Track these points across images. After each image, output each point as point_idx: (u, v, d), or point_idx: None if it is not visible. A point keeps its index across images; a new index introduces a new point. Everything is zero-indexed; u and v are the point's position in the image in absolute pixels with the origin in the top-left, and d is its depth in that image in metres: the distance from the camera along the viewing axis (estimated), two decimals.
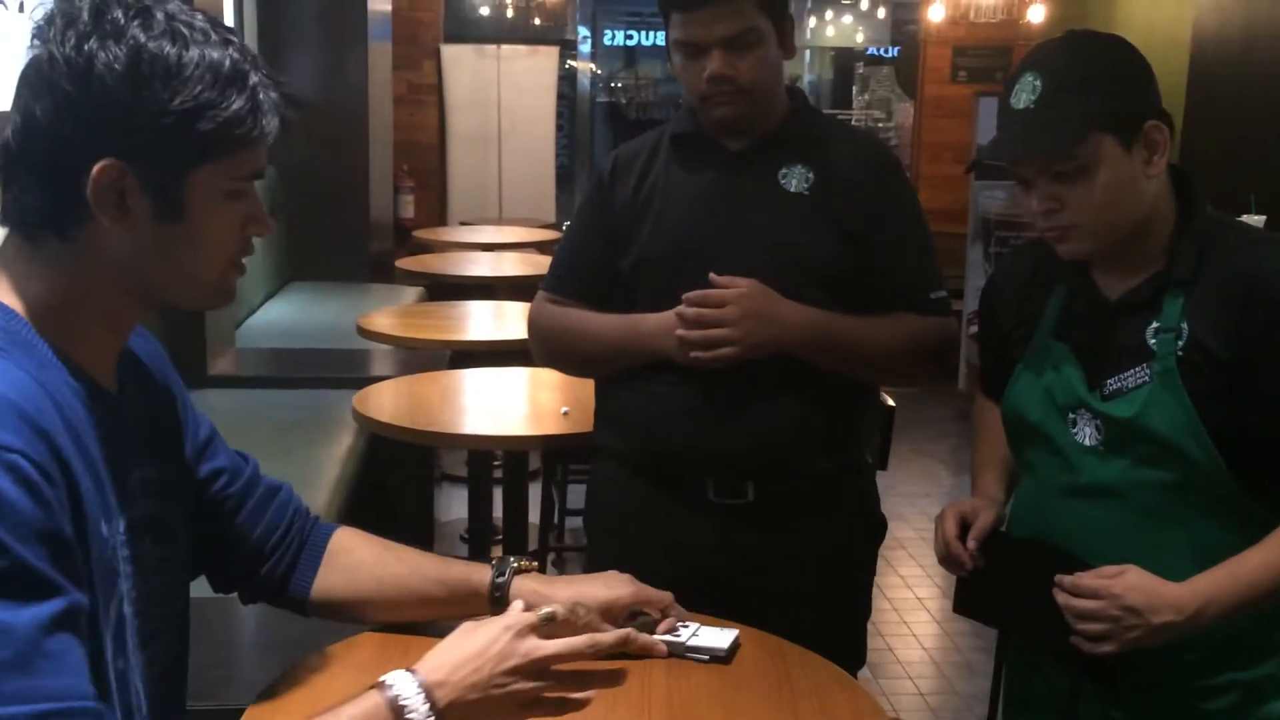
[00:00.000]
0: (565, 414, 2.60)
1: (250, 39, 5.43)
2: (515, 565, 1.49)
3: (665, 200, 1.95)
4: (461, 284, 4.86)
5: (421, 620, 1.48)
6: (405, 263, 5.17)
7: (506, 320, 3.96)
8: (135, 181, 1.10)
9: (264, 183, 5.62)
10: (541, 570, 3.37)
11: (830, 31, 13.21)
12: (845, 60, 12.99)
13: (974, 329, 2.17)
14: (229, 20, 4.72)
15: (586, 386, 2.43)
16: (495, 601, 1.45)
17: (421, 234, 6.11)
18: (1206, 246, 1.61)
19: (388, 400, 2.82)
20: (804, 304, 1.86)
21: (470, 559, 3.44)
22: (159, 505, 1.24)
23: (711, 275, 1.84)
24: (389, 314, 4.00)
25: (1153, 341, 1.61)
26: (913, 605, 4.16)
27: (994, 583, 1.77)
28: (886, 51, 12.76)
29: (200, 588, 1.55)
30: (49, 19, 1.10)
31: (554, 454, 3.70)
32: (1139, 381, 1.62)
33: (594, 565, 2.11)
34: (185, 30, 1.11)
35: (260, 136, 1.14)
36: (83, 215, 1.11)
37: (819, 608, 1.91)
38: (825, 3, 12.35)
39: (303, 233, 5.69)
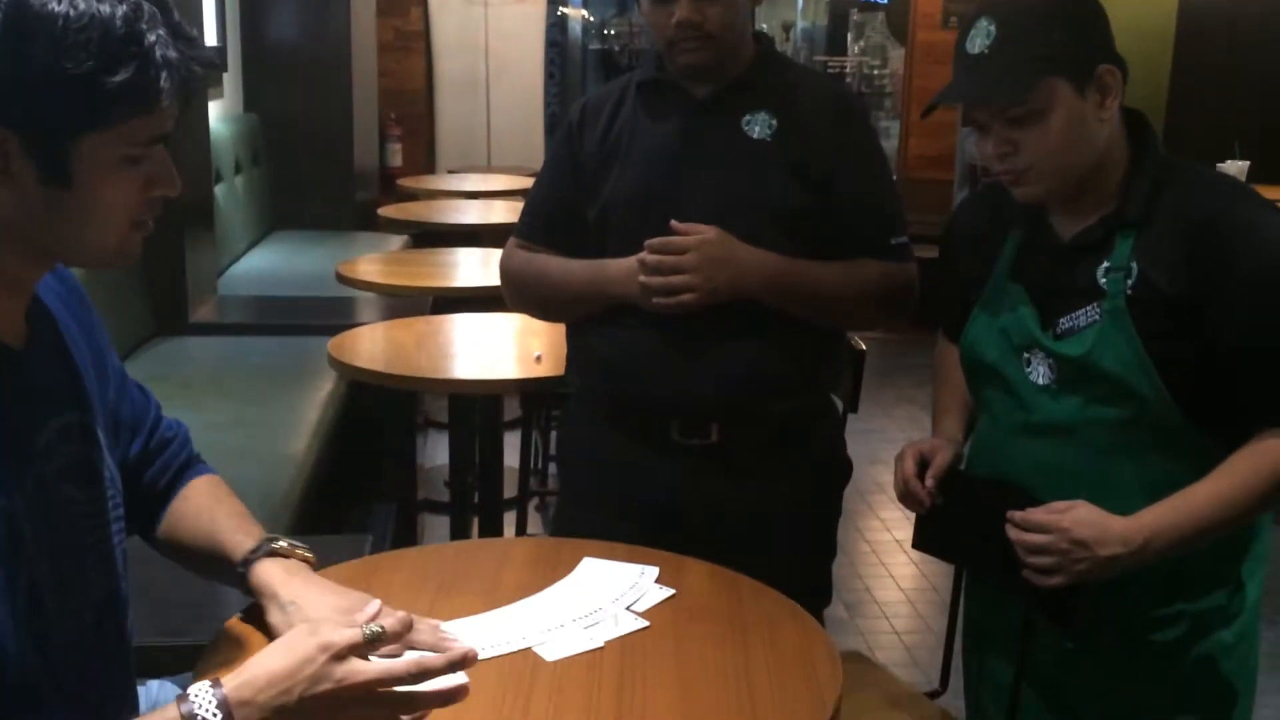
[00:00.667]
0: (539, 359, 2.63)
1: None
2: (275, 546, 1.40)
3: (631, 147, 1.96)
4: (447, 231, 4.85)
5: (219, 580, 1.44)
6: (389, 210, 5.14)
7: (491, 267, 3.89)
8: (17, 145, 1.07)
9: (247, 131, 5.63)
10: (521, 516, 3.39)
11: None
12: (840, 6, 12.87)
13: None
14: None
15: (559, 330, 2.46)
16: (240, 578, 1.39)
17: (407, 182, 6.08)
18: (1158, 187, 1.63)
19: (364, 345, 2.84)
20: (766, 250, 1.88)
21: (451, 505, 3.50)
22: (83, 450, 1.24)
23: (672, 223, 1.86)
24: (371, 261, 4.00)
25: (1103, 281, 1.63)
26: (891, 547, 4.21)
27: (951, 520, 1.81)
28: None
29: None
30: None
31: (534, 399, 3.72)
32: (1089, 320, 1.64)
33: (563, 507, 2.16)
34: None
35: (155, 104, 1.09)
36: None
37: (783, 548, 1.94)
38: None
39: (286, 181, 5.67)
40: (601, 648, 1.34)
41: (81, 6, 1.05)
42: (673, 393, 1.91)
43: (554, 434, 4.11)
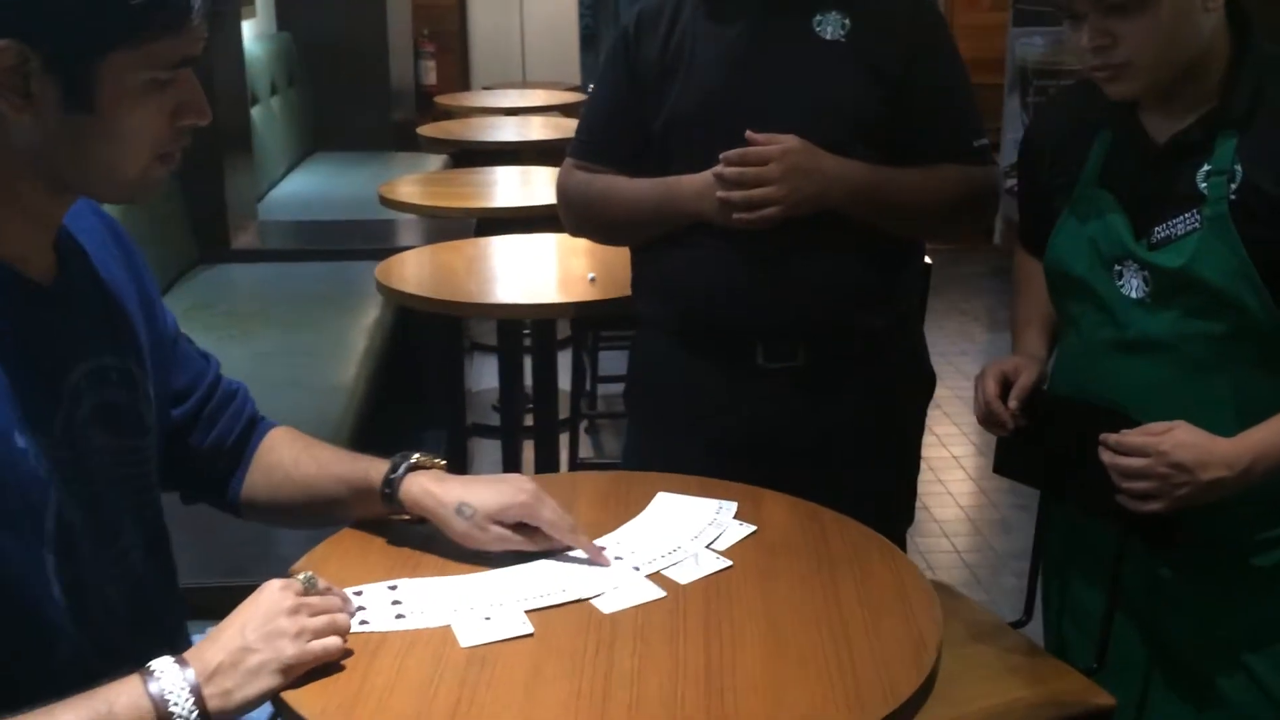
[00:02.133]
0: (592, 280, 2.54)
1: None
2: (413, 461, 1.37)
3: (695, 54, 1.85)
4: (487, 149, 4.75)
5: (333, 523, 1.41)
6: (428, 129, 5.05)
7: (533, 186, 3.87)
8: (40, 66, 1.01)
9: (280, 50, 5.54)
10: (574, 439, 3.36)
11: None
12: None
13: (1010, 182, 2.10)
14: None
15: (614, 252, 2.38)
16: (386, 499, 1.36)
17: (444, 100, 5.97)
18: (1261, 85, 1.52)
19: (411, 271, 2.76)
20: (845, 158, 1.78)
21: (502, 429, 3.46)
22: (119, 395, 1.19)
23: (748, 133, 1.75)
24: (412, 182, 3.91)
25: (1203, 185, 1.53)
26: (949, 464, 4.13)
27: (1036, 442, 1.73)
28: None
29: None
30: None
31: (583, 321, 3.65)
32: (1188, 228, 1.54)
33: (634, 437, 2.08)
34: None
35: (184, 21, 1.04)
36: None
37: (871, 470, 1.88)
38: None
39: (323, 103, 5.59)
40: (685, 587, 1.28)
41: None
42: (759, 314, 1.83)
43: (600, 355, 4.08)
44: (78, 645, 1.09)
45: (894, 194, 1.82)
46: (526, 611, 1.22)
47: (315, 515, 1.43)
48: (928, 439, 4.24)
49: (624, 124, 1.93)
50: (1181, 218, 1.55)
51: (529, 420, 3.58)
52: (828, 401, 1.88)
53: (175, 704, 1.03)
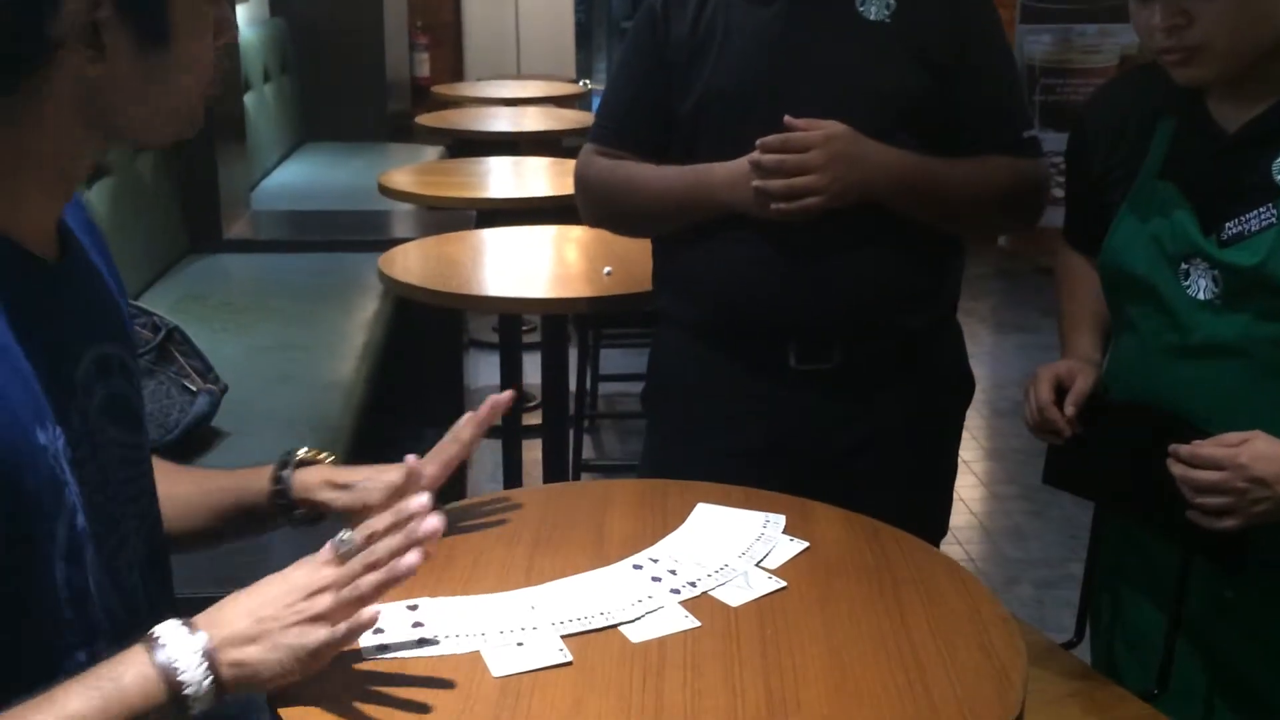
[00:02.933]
0: (608, 274, 2.43)
1: None
2: (299, 457, 1.29)
3: (729, 33, 1.73)
4: (484, 139, 4.64)
5: (222, 541, 1.31)
6: (425, 119, 4.95)
7: (531, 177, 3.76)
8: (111, 11, 0.94)
9: (273, 36, 5.44)
10: (577, 439, 3.25)
11: None
12: None
13: None
14: None
15: (627, 244, 2.27)
16: (278, 496, 1.26)
17: (440, 90, 5.88)
18: None
19: (414, 262, 2.64)
20: (890, 146, 1.67)
21: (504, 428, 3.35)
22: (123, 386, 1.09)
23: (787, 118, 1.64)
24: (410, 171, 3.81)
25: (1279, 177, 1.42)
26: (959, 470, 4.03)
27: (1093, 451, 1.62)
28: None
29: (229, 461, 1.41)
30: None
31: (585, 318, 3.54)
32: (1265, 223, 1.43)
33: (656, 440, 1.96)
34: None
35: None
36: (41, 60, 0.92)
37: (908, 479, 1.78)
38: None
39: (316, 92, 5.47)
40: (737, 610, 1.16)
41: None
42: (792, 312, 1.71)
43: (601, 353, 3.98)
44: (82, 664, 0.97)
45: (941, 185, 1.71)
46: (562, 636, 1.11)
47: (199, 534, 1.30)
48: None
49: (649, 107, 1.81)
50: (1256, 212, 1.45)
51: (528, 419, 3.47)
52: (863, 406, 1.77)
53: (184, 672, 0.92)
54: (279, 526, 1.30)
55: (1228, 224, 1.47)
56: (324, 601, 0.98)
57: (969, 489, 3.89)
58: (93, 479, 1.01)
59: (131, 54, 0.97)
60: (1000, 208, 1.79)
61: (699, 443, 1.79)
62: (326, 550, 1.03)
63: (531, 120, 4.93)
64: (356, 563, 1.01)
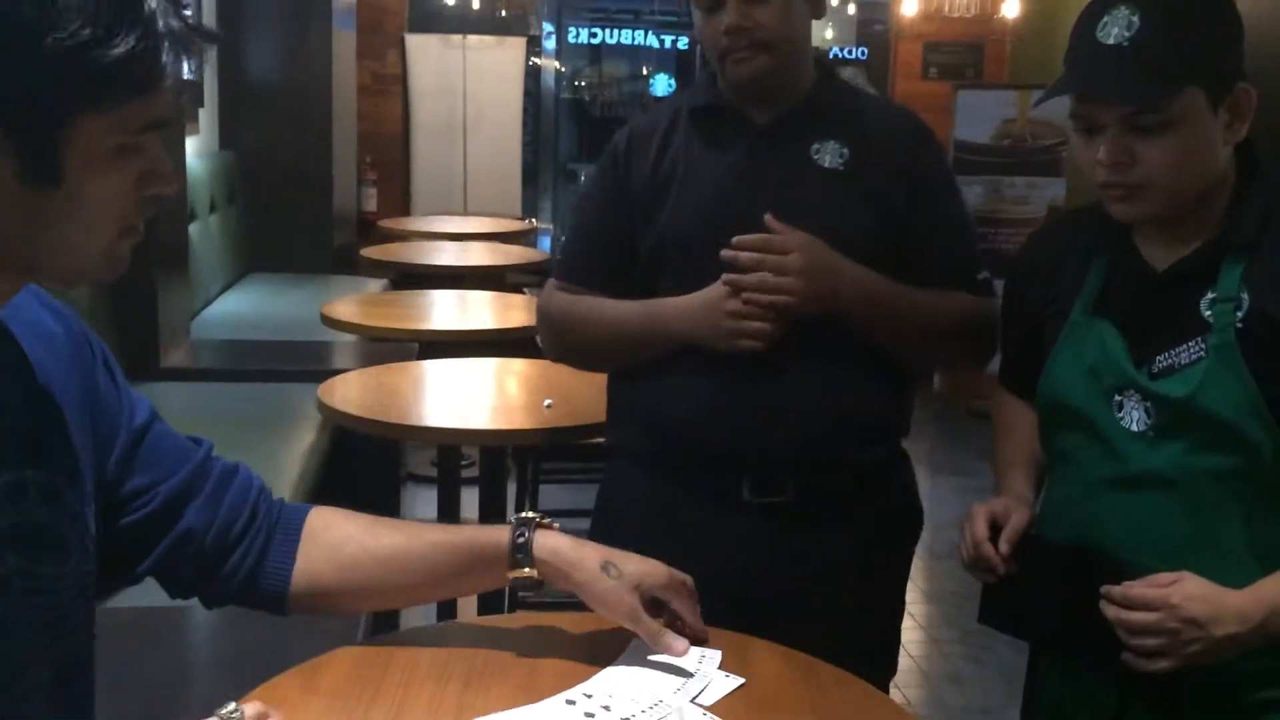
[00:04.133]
0: (548, 406, 2.43)
1: (208, 24, 5.23)
2: (536, 520, 1.32)
3: (689, 176, 1.79)
4: (428, 273, 4.68)
5: (430, 600, 1.33)
6: (370, 251, 5.01)
7: (475, 310, 3.79)
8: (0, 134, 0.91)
9: (222, 168, 5.48)
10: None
11: None
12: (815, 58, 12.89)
13: None
14: None
15: (568, 377, 2.28)
16: (516, 564, 1.29)
17: (386, 224, 5.95)
18: (1269, 214, 1.47)
19: (354, 392, 2.63)
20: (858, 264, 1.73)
21: None
22: (42, 513, 1.05)
23: (768, 219, 1.68)
24: (353, 302, 3.83)
25: (1208, 313, 1.46)
26: None
27: (1027, 592, 1.62)
28: (852, 53, 12.67)
29: (148, 595, 1.38)
30: None
31: (525, 451, 3.53)
32: (1194, 357, 1.47)
33: None
34: None
35: (159, 79, 0.95)
36: None
37: (857, 612, 1.77)
38: None
39: (262, 222, 5.51)
40: None
41: None
42: (746, 445, 1.73)
43: (540, 488, 3.95)
44: None
45: (905, 307, 1.76)
46: None
47: (406, 592, 1.32)
48: None
49: (610, 245, 1.85)
50: (1186, 346, 1.49)
51: None
52: (814, 539, 1.78)
53: None
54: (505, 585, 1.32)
55: (1158, 357, 1.51)
56: None
57: (908, 631, 3.87)
58: None
59: (15, 183, 0.94)
60: (956, 337, 1.83)
61: None
62: None
63: (477, 255, 5.00)
64: None
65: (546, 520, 1.33)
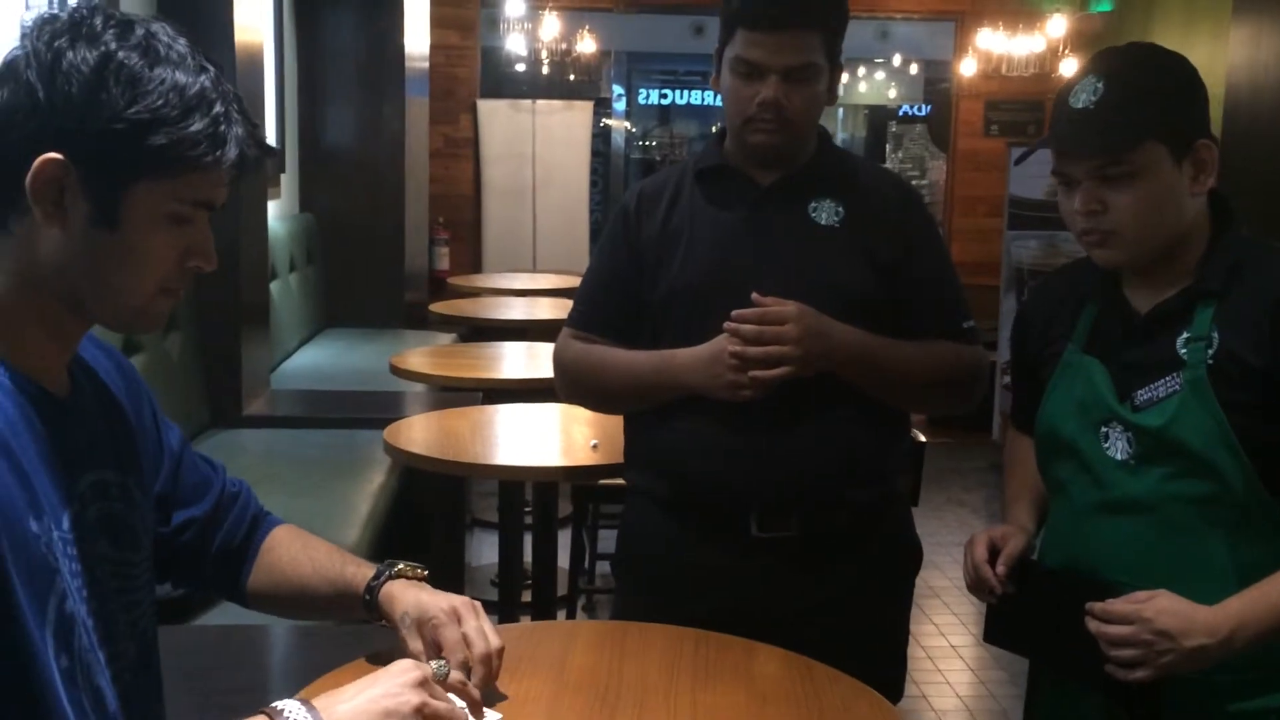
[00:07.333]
0: (595, 447, 2.60)
1: (291, 95, 5.53)
2: (395, 570, 1.46)
3: (695, 233, 1.94)
4: (496, 327, 4.87)
5: (327, 619, 1.51)
6: (439, 307, 5.20)
7: (540, 360, 3.93)
8: (76, 182, 1.09)
9: (302, 230, 5.72)
10: (570, 615, 3.34)
11: (863, 88, 13.32)
12: (879, 118, 13.08)
13: (1009, 378, 2.21)
14: (269, 74, 4.81)
15: (617, 421, 2.44)
16: (366, 605, 1.44)
17: (456, 280, 6.13)
18: (1239, 263, 1.62)
19: (418, 434, 2.83)
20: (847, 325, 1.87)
21: (500, 604, 3.44)
22: (121, 509, 1.25)
23: (756, 295, 1.83)
24: (422, 354, 4.02)
25: (1183, 351, 1.61)
26: (947, 653, 4.11)
27: (1024, 611, 1.76)
28: (919, 109, 12.82)
29: (228, 614, 1.56)
30: (35, 21, 1.12)
31: (585, 495, 3.69)
32: (1169, 391, 1.61)
33: (625, 608, 2.08)
34: (161, 49, 1.11)
35: (214, 164, 1.13)
36: (24, 208, 1.10)
37: (861, 641, 1.88)
38: (859, 60, 12.43)
39: (339, 280, 5.75)
40: None
41: (162, 69, 1.11)
42: (753, 483, 1.87)
43: (599, 532, 4.09)
44: None
45: (892, 362, 1.90)
46: None
47: (308, 613, 1.53)
48: (926, 627, 4.26)
49: (621, 296, 2.00)
50: (1163, 380, 1.63)
51: (526, 596, 3.58)
52: (820, 572, 1.91)
53: None
54: (360, 621, 1.48)
55: (1140, 391, 1.65)
56: (420, 697, 1.16)
57: (956, 672, 3.96)
58: (82, 577, 1.15)
59: (84, 224, 1.10)
60: (944, 385, 1.97)
61: (662, 609, 1.86)
62: (420, 670, 1.20)
63: (544, 309, 5.13)
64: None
65: (413, 568, 1.47)
